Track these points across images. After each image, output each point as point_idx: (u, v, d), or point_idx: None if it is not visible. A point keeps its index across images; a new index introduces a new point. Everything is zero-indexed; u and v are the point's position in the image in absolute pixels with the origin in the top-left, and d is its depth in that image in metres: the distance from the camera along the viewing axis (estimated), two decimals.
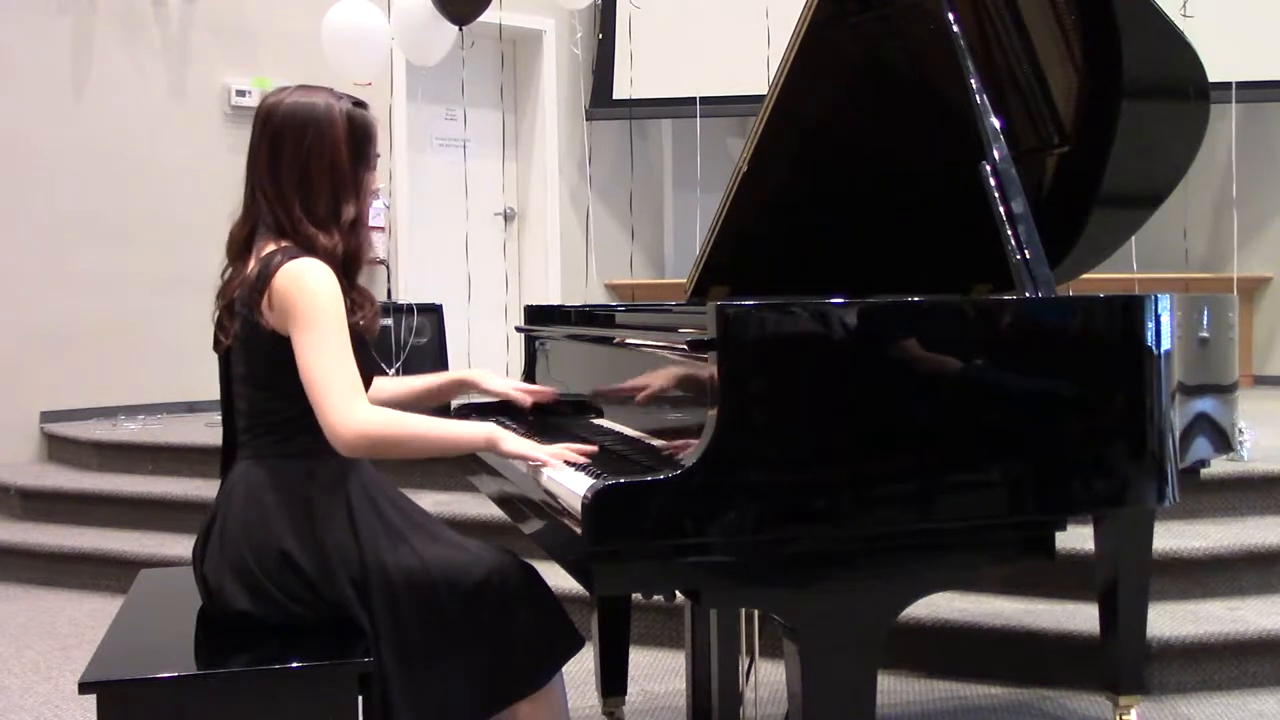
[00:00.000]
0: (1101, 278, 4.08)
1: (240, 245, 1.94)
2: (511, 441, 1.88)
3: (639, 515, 1.50)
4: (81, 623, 3.77)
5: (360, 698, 1.80)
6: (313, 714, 1.76)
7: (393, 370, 4.95)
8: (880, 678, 1.70)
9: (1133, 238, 2.79)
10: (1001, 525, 1.70)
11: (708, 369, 1.59)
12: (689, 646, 2.52)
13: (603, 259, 6.92)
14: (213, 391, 2.13)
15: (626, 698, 2.72)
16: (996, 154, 2.01)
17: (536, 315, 2.73)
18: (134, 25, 5.60)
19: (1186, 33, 2.41)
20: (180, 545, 3.82)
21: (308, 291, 1.80)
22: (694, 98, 6.49)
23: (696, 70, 6.49)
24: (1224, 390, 2.49)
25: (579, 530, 1.54)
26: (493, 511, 3.20)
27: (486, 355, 6.11)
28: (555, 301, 6.26)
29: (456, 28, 5.04)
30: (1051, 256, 2.00)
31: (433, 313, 5.33)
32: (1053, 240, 2.10)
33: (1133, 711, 2.65)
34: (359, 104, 1.97)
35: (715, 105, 6.55)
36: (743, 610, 2.29)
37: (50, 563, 4.23)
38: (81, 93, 5.45)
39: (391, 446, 1.82)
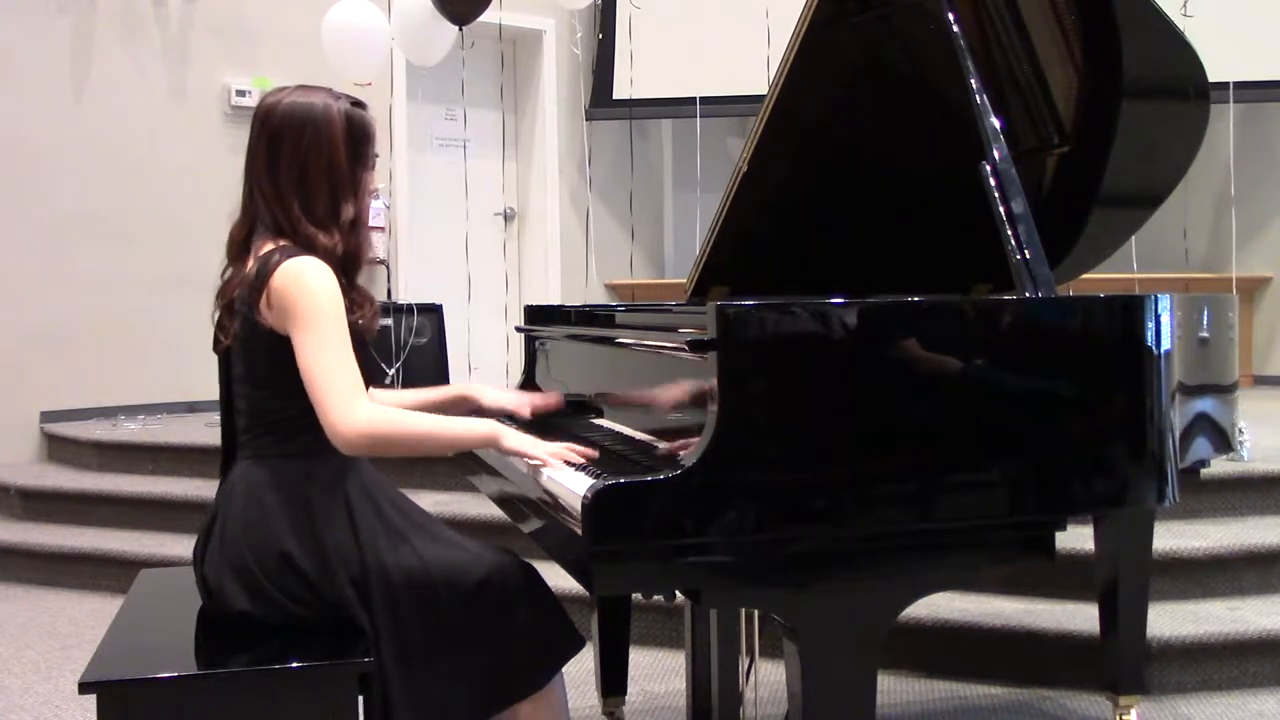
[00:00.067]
0: (1101, 278, 4.08)
1: (239, 245, 1.94)
2: (513, 438, 1.88)
3: (639, 515, 1.50)
4: (81, 623, 3.77)
5: (360, 698, 1.80)
6: (313, 714, 1.76)
7: (393, 370, 4.95)
8: (880, 678, 1.70)
9: (1133, 238, 2.79)
10: (1001, 525, 1.70)
11: (708, 369, 1.59)
12: (689, 646, 2.52)
13: (603, 259, 6.91)
14: (213, 391, 2.13)
15: (626, 698, 2.72)
16: (996, 154, 2.01)
17: (536, 315, 2.73)
18: (134, 25, 5.60)
19: (1186, 33, 2.41)
20: (180, 545, 3.83)
21: (307, 290, 1.80)
22: (694, 98, 6.48)
23: (696, 70, 6.48)
24: (1224, 390, 2.49)
25: (579, 530, 1.54)
26: (493, 511, 3.20)
27: (486, 355, 6.12)
28: (555, 301, 6.26)
29: (456, 28, 5.04)
30: (1051, 256, 2.00)
31: (433, 313, 5.32)
32: (1053, 240, 2.10)
33: (1133, 711, 2.65)
34: (357, 104, 1.97)
35: (715, 105, 6.55)
36: (743, 610, 2.29)
37: (50, 563, 4.23)
38: (81, 93, 5.45)
39: (392, 444, 1.83)
